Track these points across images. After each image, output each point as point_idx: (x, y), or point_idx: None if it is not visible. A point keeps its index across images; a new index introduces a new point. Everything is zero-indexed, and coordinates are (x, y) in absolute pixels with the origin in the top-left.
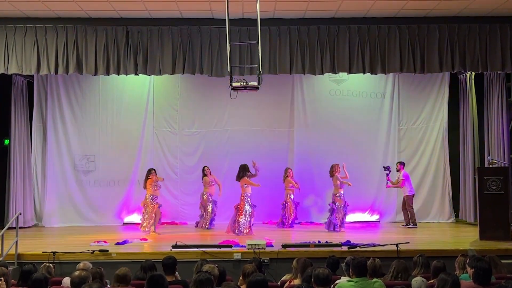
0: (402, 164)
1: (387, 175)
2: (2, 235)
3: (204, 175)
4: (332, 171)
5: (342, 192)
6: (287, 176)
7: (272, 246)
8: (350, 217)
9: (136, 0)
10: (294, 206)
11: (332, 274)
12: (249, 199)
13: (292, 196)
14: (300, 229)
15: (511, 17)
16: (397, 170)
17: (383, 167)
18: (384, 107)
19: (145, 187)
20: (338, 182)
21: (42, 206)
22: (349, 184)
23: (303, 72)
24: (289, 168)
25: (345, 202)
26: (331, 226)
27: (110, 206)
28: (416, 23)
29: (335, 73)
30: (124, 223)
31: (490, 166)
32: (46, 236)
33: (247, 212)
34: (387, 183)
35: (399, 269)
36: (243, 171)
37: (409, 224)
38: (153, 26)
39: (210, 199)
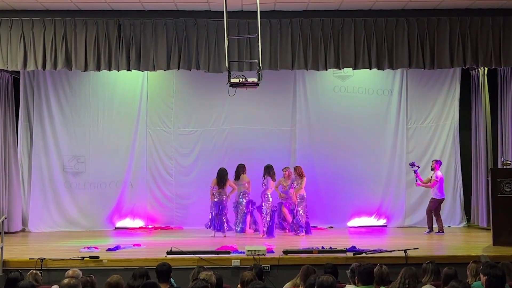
0: (438, 163)
1: (415, 172)
2: None
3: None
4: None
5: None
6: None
7: (273, 252)
8: (356, 222)
9: None
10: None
11: (336, 282)
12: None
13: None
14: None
15: None
16: (432, 169)
17: (410, 164)
18: (391, 104)
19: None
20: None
21: (28, 209)
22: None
23: (305, 68)
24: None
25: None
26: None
27: (101, 210)
28: (426, 16)
29: (340, 69)
30: (116, 228)
31: (504, 167)
32: (33, 242)
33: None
34: (416, 181)
35: (407, 276)
36: (268, 170)
37: (432, 231)
38: (147, 19)
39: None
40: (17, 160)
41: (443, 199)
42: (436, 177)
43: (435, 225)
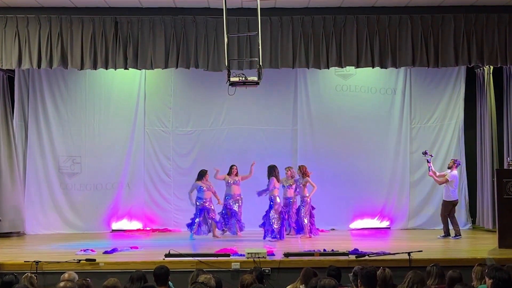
0: (457, 163)
1: (428, 161)
2: None
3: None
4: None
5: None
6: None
7: (273, 254)
8: (358, 224)
9: None
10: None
11: (338, 285)
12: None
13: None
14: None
15: None
16: (449, 167)
17: (423, 152)
18: (395, 104)
19: None
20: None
21: (23, 211)
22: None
23: (307, 66)
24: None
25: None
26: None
27: (97, 211)
28: (430, 13)
29: (342, 67)
30: (113, 230)
31: (510, 167)
32: (28, 244)
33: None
34: (429, 171)
35: (415, 280)
36: (272, 171)
37: (449, 235)
38: (144, 16)
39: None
40: (20, 159)
41: (457, 200)
42: (452, 177)
43: (451, 228)
